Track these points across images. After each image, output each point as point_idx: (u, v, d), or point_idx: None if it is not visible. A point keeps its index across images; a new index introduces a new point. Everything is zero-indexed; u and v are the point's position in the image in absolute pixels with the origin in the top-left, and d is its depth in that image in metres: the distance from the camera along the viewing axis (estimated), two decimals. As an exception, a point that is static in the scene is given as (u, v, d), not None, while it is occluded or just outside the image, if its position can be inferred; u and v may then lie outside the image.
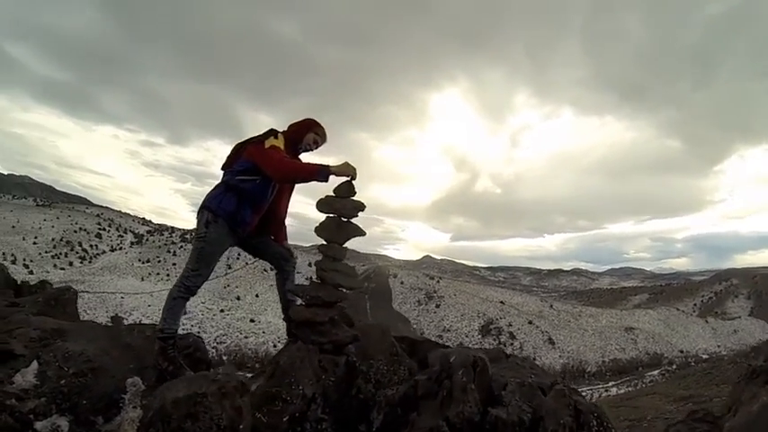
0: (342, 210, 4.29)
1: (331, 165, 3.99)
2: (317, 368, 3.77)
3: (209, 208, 4.02)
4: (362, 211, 4.39)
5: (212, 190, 4.16)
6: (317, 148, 4.40)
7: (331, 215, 4.34)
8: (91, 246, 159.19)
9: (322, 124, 4.38)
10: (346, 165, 4.05)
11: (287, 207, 4.57)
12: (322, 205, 4.29)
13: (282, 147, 4.05)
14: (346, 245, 4.37)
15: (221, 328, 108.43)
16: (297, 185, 4.48)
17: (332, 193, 4.40)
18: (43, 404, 3.62)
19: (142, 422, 3.08)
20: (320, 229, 4.34)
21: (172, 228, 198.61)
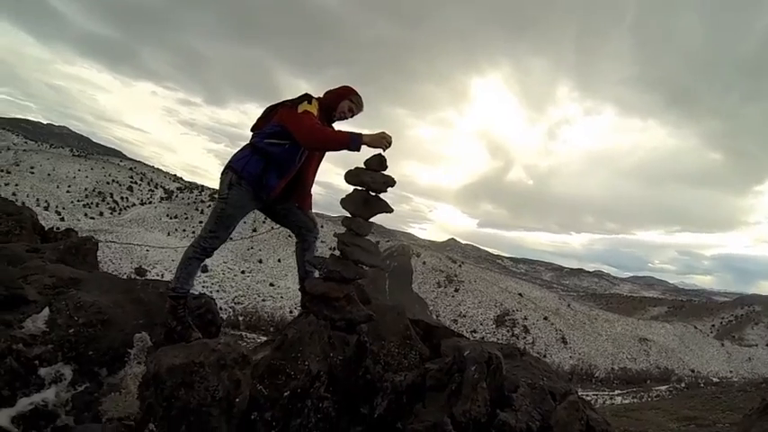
0: (371, 183, 4.10)
1: (364, 134, 3.79)
2: (326, 345, 3.63)
3: (234, 169, 3.87)
4: (392, 186, 4.20)
5: (239, 151, 4.00)
6: (352, 116, 4.22)
7: (359, 188, 4.17)
8: (122, 198, 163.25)
9: (359, 93, 4.18)
10: (380, 135, 3.84)
11: (315, 175, 4.41)
12: (351, 177, 4.11)
13: (316, 113, 3.87)
14: (371, 220, 4.20)
15: (240, 289, 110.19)
16: (327, 153, 4.32)
17: (362, 165, 4.22)
18: (50, 351, 3.58)
19: (142, 381, 2.99)
20: (346, 202, 4.16)
21: (202, 186, 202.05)
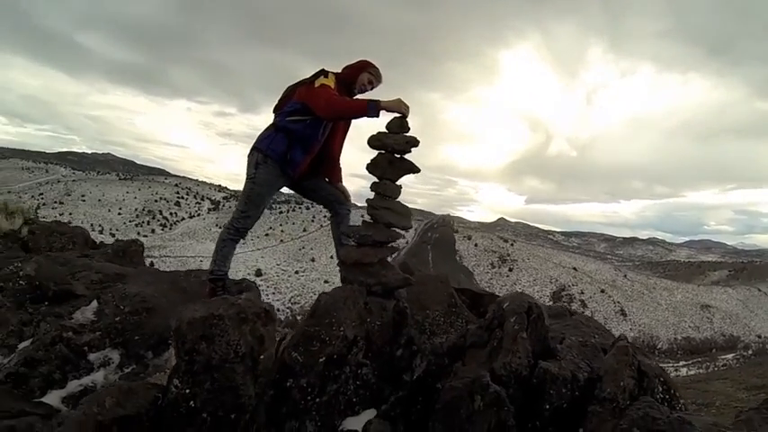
0: (394, 145, 4.04)
1: (382, 100, 3.80)
2: (362, 310, 3.57)
3: (259, 149, 3.93)
4: (416, 146, 4.13)
5: (263, 132, 4.07)
6: (372, 88, 4.22)
7: (383, 152, 4.12)
8: (171, 213, 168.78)
9: (376, 65, 4.18)
10: (398, 101, 3.84)
11: (341, 147, 4.41)
12: (373, 141, 4.06)
13: (333, 85, 3.90)
14: (399, 182, 4.14)
15: (296, 288, 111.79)
16: (353, 125, 4.35)
17: (384, 130, 4.18)
18: (98, 338, 3.74)
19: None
20: (372, 167, 4.11)
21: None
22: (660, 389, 2.85)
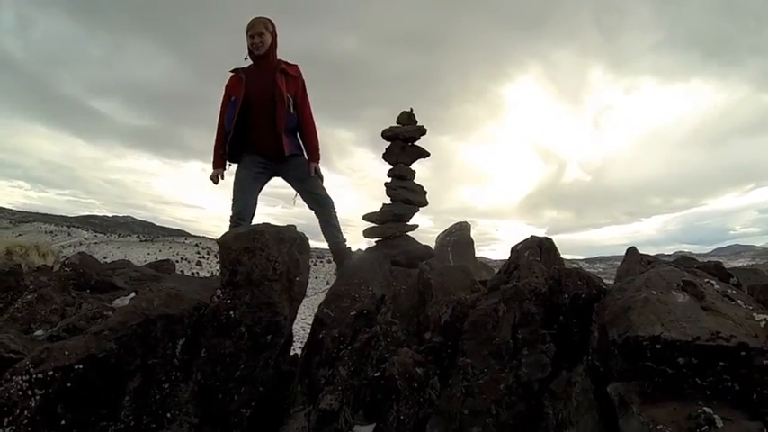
0: (404, 134, 4.40)
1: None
2: (388, 275, 3.80)
3: None
4: (424, 134, 4.49)
5: None
6: (258, 42, 4.07)
7: (396, 141, 4.46)
8: (192, 273, 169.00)
9: (249, 22, 4.14)
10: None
11: (282, 119, 4.07)
12: (387, 132, 4.42)
13: (227, 81, 4.21)
14: (412, 166, 4.46)
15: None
16: (291, 96, 4.14)
17: (395, 123, 4.53)
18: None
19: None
20: (387, 155, 4.46)
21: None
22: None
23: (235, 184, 4.17)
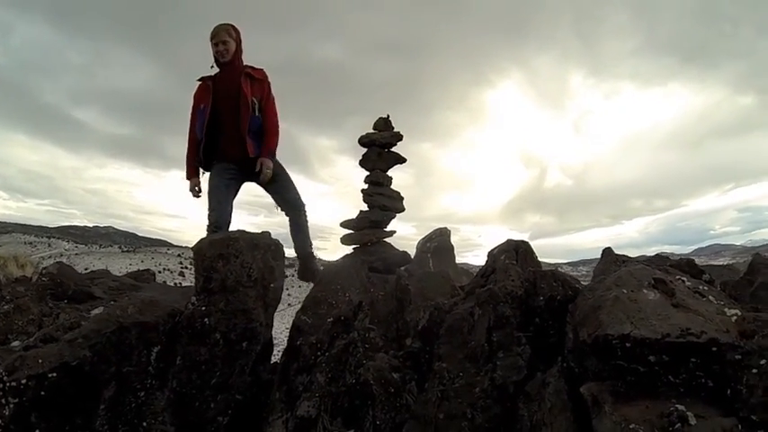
0: (380, 140, 4.44)
1: None
2: (366, 281, 3.82)
3: None
4: (401, 140, 4.53)
5: None
6: (222, 50, 4.09)
7: (373, 147, 4.49)
8: (175, 283, 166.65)
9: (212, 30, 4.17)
10: None
11: (245, 121, 4.08)
12: (363, 139, 4.46)
13: (195, 91, 4.22)
14: (389, 173, 4.50)
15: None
16: (257, 100, 4.15)
17: (372, 130, 4.56)
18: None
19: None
20: (364, 161, 4.50)
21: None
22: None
23: (209, 192, 4.15)
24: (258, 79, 4.09)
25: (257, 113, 4.06)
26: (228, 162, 4.11)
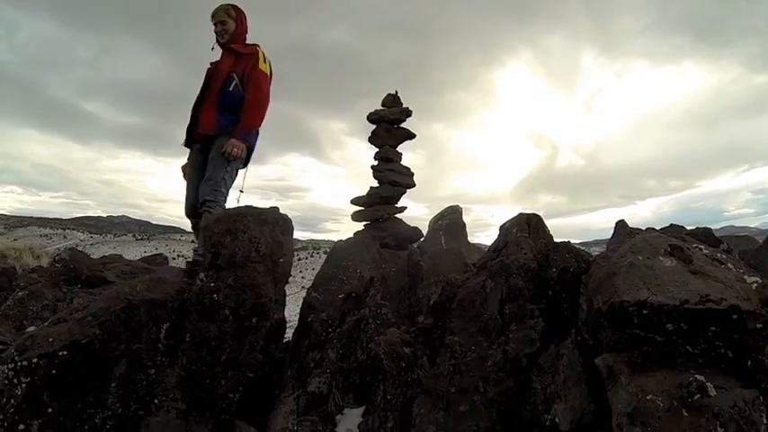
0: (390, 116, 4.38)
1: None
2: (377, 258, 3.78)
3: None
4: (410, 116, 4.47)
5: None
6: (220, 31, 3.99)
7: (382, 123, 4.43)
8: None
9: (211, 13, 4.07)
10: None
11: (215, 96, 3.89)
12: (371, 116, 4.39)
13: None
14: (399, 149, 4.45)
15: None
16: (238, 74, 3.94)
17: (380, 107, 4.50)
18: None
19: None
20: (373, 138, 4.44)
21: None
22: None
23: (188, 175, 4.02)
24: (245, 54, 3.89)
25: (235, 88, 3.83)
26: (197, 142, 3.96)
